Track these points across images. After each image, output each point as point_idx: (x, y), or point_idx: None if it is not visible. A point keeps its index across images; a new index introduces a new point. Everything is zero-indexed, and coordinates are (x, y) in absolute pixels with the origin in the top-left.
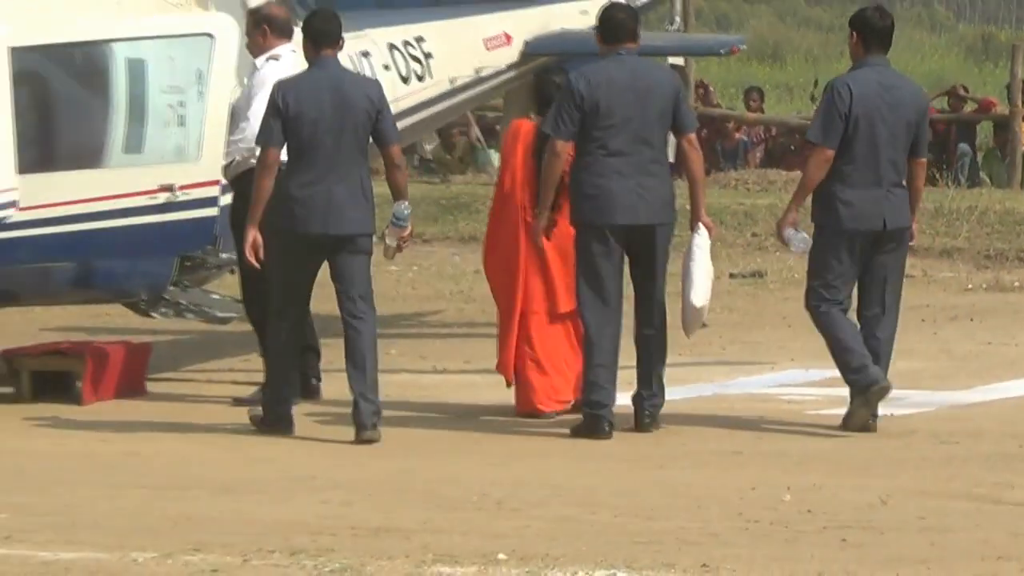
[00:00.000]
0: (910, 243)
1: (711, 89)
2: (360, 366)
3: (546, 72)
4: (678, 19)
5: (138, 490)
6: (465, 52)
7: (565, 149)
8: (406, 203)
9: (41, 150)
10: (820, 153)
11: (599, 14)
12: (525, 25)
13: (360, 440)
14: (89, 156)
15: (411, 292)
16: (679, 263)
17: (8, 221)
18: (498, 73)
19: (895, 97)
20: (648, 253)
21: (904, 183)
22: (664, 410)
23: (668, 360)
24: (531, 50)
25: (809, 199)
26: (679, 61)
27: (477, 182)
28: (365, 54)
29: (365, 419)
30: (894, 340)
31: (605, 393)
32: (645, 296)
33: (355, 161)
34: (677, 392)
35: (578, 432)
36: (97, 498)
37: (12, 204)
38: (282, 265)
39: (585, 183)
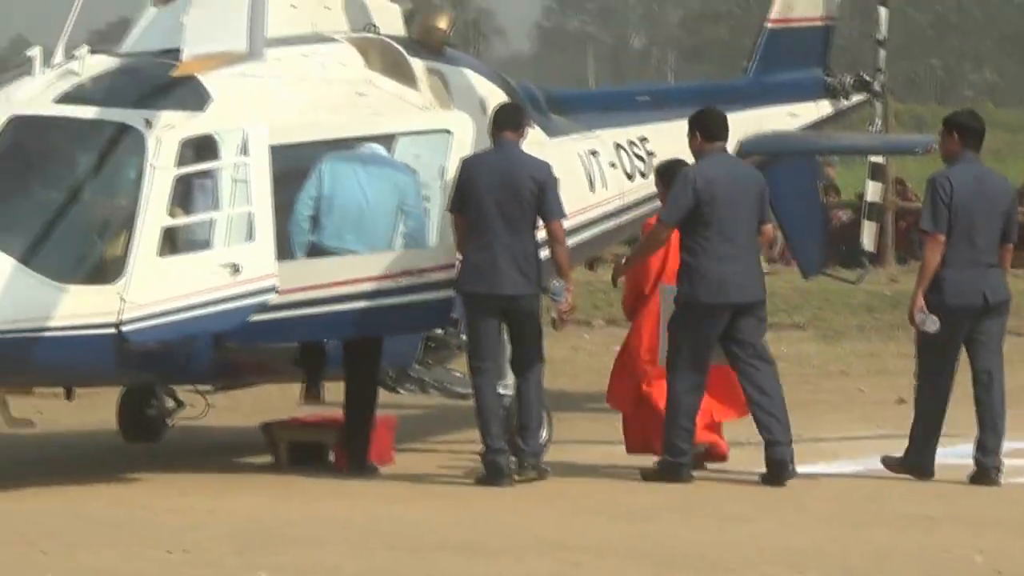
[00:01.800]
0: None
1: (908, 185)
2: (527, 414)
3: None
4: (878, 121)
5: (387, 552)
6: (683, 151)
7: (670, 232)
8: (561, 280)
9: (289, 240)
10: (934, 240)
11: (696, 116)
12: (739, 126)
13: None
14: (333, 244)
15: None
16: None
17: (269, 304)
18: None
19: (988, 189)
20: (747, 326)
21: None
22: (865, 476)
23: (866, 432)
24: (745, 149)
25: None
26: (879, 159)
27: None
28: (593, 152)
29: (525, 457)
30: (1004, 399)
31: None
32: (751, 363)
33: (520, 231)
34: (875, 461)
35: (651, 477)
36: (345, 558)
37: (272, 289)
38: (469, 323)
39: (693, 265)
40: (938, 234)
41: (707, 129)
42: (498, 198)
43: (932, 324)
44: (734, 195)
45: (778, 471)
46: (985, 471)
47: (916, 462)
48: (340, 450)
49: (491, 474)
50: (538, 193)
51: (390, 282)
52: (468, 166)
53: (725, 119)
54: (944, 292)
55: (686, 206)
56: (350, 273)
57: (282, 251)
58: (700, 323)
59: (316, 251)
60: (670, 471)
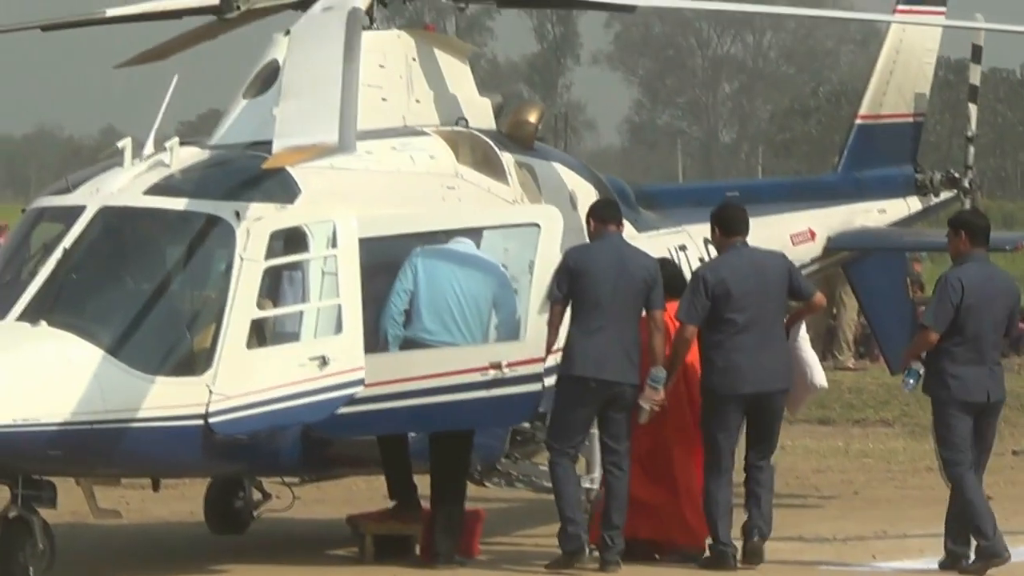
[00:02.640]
0: None
1: None
2: (618, 511)
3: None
4: None
5: None
6: (773, 246)
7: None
8: (662, 369)
9: (383, 333)
10: (927, 333)
11: (715, 212)
12: (828, 222)
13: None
14: (422, 338)
15: None
16: None
17: (356, 397)
18: (802, 266)
19: (996, 287)
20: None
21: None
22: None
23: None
24: (833, 245)
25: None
26: None
27: None
28: (682, 248)
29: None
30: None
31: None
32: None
33: (629, 320)
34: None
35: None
36: None
37: (360, 382)
38: (563, 407)
39: (717, 358)
40: (933, 332)
41: (726, 224)
42: (613, 287)
43: (913, 378)
44: (757, 286)
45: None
46: None
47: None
48: (426, 543)
49: (570, 552)
50: (651, 284)
51: (478, 375)
52: (578, 256)
53: (745, 214)
54: (951, 387)
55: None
56: (438, 366)
57: (373, 344)
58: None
59: (408, 344)
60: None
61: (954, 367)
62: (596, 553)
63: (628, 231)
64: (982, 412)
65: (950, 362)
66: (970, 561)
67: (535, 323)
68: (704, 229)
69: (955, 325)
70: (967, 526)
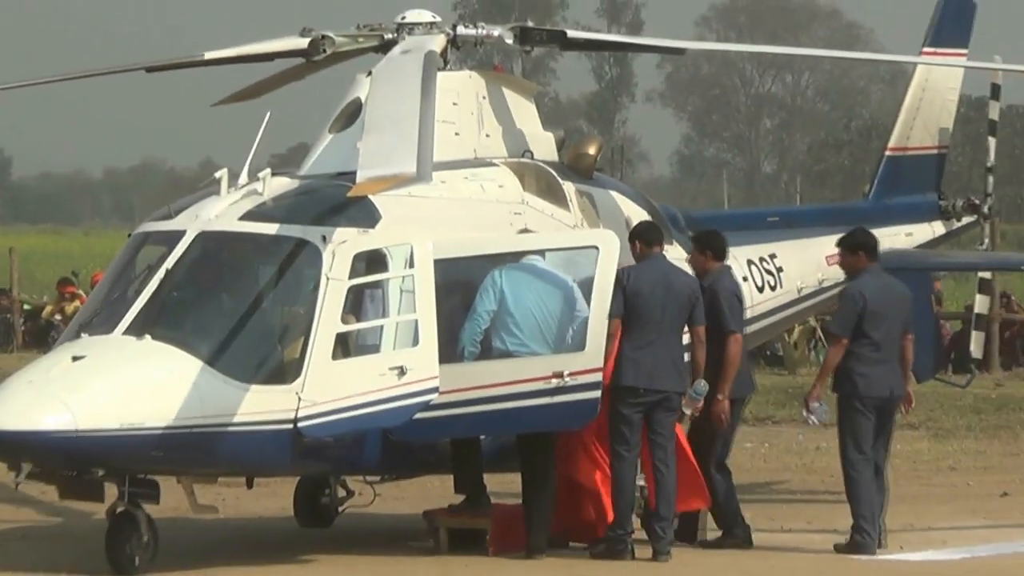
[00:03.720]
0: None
1: (1013, 298)
2: (667, 505)
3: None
4: (987, 240)
5: None
6: (810, 266)
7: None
8: (704, 381)
9: (457, 344)
10: (839, 341)
11: (703, 237)
12: None
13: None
14: (493, 348)
15: (763, 465)
16: None
17: (432, 403)
18: (837, 284)
19: (894, 295)
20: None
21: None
22: (972, 561)
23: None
24: None
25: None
26: (987, 275)
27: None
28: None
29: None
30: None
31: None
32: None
33: (676, 334)
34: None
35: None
36: None
37: (434, 389)
38: (620, 415)
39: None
40: (843, 338)
41: (715, 249)
42: (662, 304)
43: (824, 414)
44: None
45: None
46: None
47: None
48: (495, 537)
49: (615, 552)
50: (694, 301)
51: (543, 383)
52: (633, 276)
53: (725, 242)
54: (859, 386)
55: None
56: (508, 375)
57: (450, 354)
58: None
59: (484, 355)
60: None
61: (861, 367)
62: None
63: (677, 253)
64: (884, 407)
65: (857, 363)
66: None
67: (595, 335)
68: (747, 251)
69: (860, 331)
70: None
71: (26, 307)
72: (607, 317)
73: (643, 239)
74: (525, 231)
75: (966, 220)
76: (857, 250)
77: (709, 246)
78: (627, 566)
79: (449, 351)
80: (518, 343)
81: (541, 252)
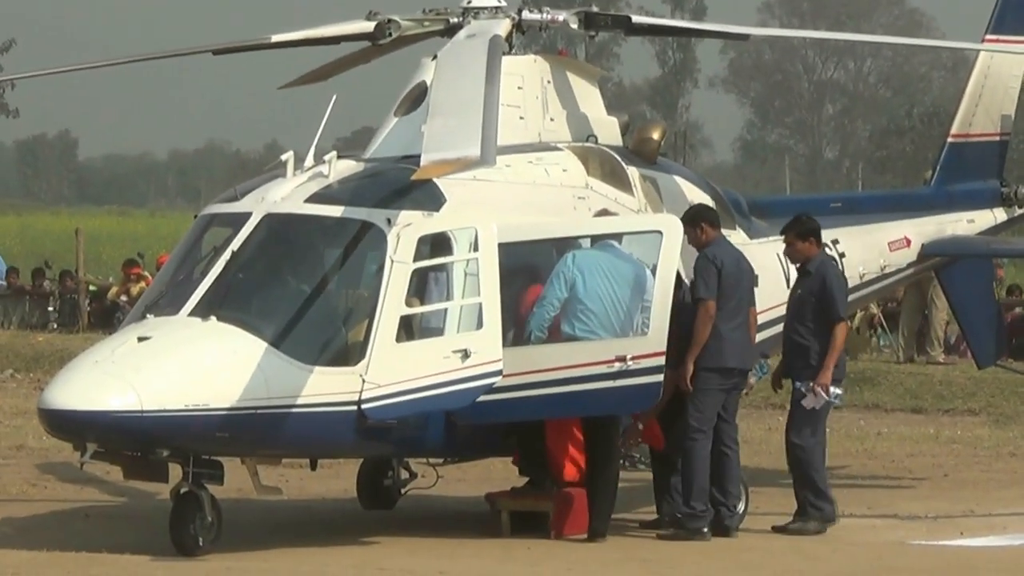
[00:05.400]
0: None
1: None
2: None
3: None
4: None
5: None
6: (872, 252)
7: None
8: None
9: (520, 328)
10: (706, 303)
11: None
12: (922, 230)
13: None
14: (558, 332)
15: None
16: None
17: (495, 385)
18: (899, 270)
19: (746, 264)
20: None
21: None
22: None
23: None
24: (927, 252)
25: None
26: None
27: (880, 359)
28: None
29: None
30: None
31: None
32: None
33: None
34: None
35: None
36: None
37: (498, 372)
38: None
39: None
40: (710, 301)
41: (817, 235)
42: (740, 285)
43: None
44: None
45: None
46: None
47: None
48: (557, 520)
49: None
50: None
51: (604, 367)
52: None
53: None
54: (713, 355)
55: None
56: (571, 358)
57: (515, 337)
58: None
59: (551, 338)
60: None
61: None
62: None
63: (740, 238)
64: (735, 378)
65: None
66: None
67: (658, 320)
68: None
69: (721, 297)
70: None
71: (92, 288)
72: (668, 300)
73: (709, 222)
74: (604, 212)
75: None
76: (808, 236)
77: (812, 232)
78: (689, 548)
79: (513, 334)
80: (586, 329)
81: (604, 237)
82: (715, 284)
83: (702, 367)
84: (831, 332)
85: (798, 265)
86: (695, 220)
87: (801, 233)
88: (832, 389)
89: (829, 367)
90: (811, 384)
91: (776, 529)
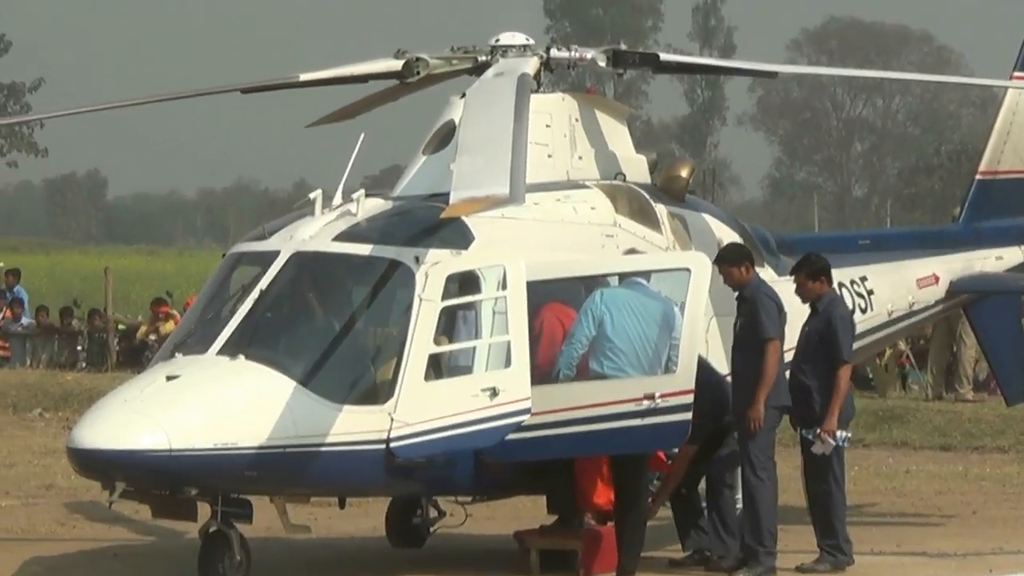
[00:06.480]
0: None
1: None
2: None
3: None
4: None
5: None
6: (900, 289)
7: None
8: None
9: (548, 366)
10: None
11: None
12: (951, 267)
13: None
14: (586, 370)
15: (853, 488)
16: None
17: (523, 424)
18: (927, 308)
19: None
20: None
21: None
22: None
23: None
24: (956, 288)
25: None
26: None
27: (908, 397)
28: None
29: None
30: None
31: None
32: None
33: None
34: None
35: None
36: None
37: (527, 411)
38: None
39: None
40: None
41: (828, 274)
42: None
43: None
44: None
45: None
46: None
47: None
48: (586, 558)
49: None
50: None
51: (633, 405)
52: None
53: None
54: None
55: None
56: (599, 396)
57: (543, 376)
58: None
59: (579, 376)
60: None
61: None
62: None
63: (770, 275)
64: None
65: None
66: None
67: (686, 357)
68: (838, 273)
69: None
70: None
71: (120, 327)
72: (696, 338)
73: (752, 261)
74: (632, 251)
75: None
76: (819, 276)
77: (822, 271)
78: None
79: (542, 372)
80: (615, 367)
81: (632, 274)
82: (779, 324)
83: (770, 405)
84: (835, 374)
85: (810, 304)
86: (738, 260)
87: (811, 273)
88: (839, 433)
89: (834, 412)
90: (818, 431)
91: (801, 570)
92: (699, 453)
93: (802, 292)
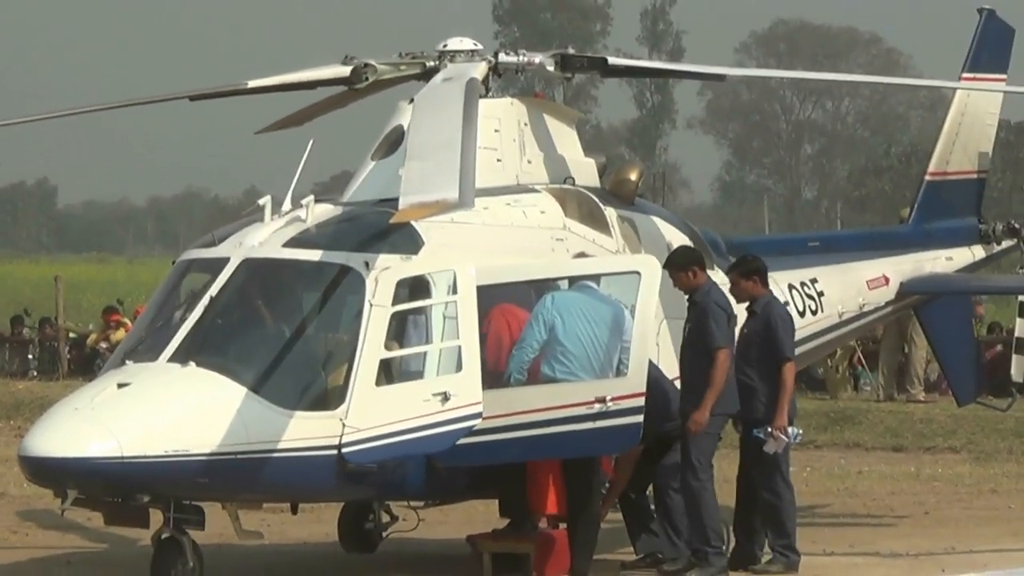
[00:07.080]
0: None
1: None
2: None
3: None
4: None
5: None
6: (851, 291)
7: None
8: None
9: (499, 370)
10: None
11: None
12: (901, 268)
13: None
14: (537, 374)
15: (805, 489)
16: None
17: (474, 428)
18: (877, 309)
19: None
20: None
21: None
22: None
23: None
24: (906, 290)
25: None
26: None
27: (860, 398)
28: None
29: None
30: None
31: None
32: None
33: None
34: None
35: None
36: None
37: (478, 415)
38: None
39: None
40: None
41: (762, 274)
42: (733, 328)
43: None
44: None
45: None
46: None
47: None
48: (539, 561)
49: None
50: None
51: (584, 408)
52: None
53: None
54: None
55: None
56: (549, 400)
57: (496, 381)
58: None
59: (530, 380)
60: None
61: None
62: None
63: (720, 278)
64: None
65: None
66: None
67: (637, 360)
68: (789, 275)
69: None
70: None
71: (71, 335)
72: (647, 341)
73: (700, 265)
74: (582, 255)
75: (1006, 244)
76: (757, 276)
77: (756, 271)
78: None
79: (493, 377)
80: (566, 371)
81: (582, 278)
82: (729, 331)
83: (716, 412)
84: (779, 373)
85: (746, 305)
86: (687, 264)
87: (744, 272)
88: (790, 429)
89: (783, 408)
90: (768, 429)
91: (754, 571)
92: (647, 456)
93: (736, 291)
